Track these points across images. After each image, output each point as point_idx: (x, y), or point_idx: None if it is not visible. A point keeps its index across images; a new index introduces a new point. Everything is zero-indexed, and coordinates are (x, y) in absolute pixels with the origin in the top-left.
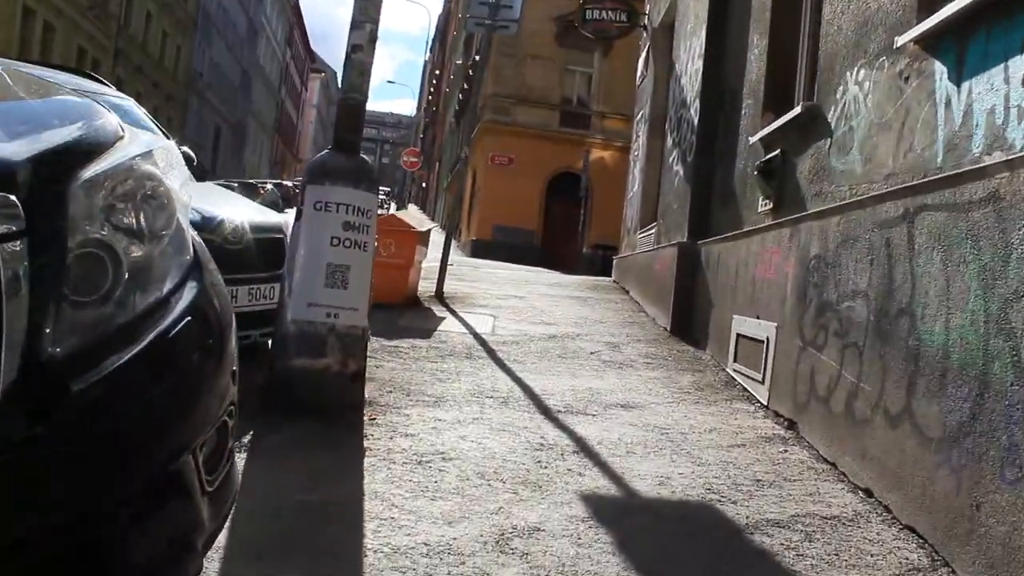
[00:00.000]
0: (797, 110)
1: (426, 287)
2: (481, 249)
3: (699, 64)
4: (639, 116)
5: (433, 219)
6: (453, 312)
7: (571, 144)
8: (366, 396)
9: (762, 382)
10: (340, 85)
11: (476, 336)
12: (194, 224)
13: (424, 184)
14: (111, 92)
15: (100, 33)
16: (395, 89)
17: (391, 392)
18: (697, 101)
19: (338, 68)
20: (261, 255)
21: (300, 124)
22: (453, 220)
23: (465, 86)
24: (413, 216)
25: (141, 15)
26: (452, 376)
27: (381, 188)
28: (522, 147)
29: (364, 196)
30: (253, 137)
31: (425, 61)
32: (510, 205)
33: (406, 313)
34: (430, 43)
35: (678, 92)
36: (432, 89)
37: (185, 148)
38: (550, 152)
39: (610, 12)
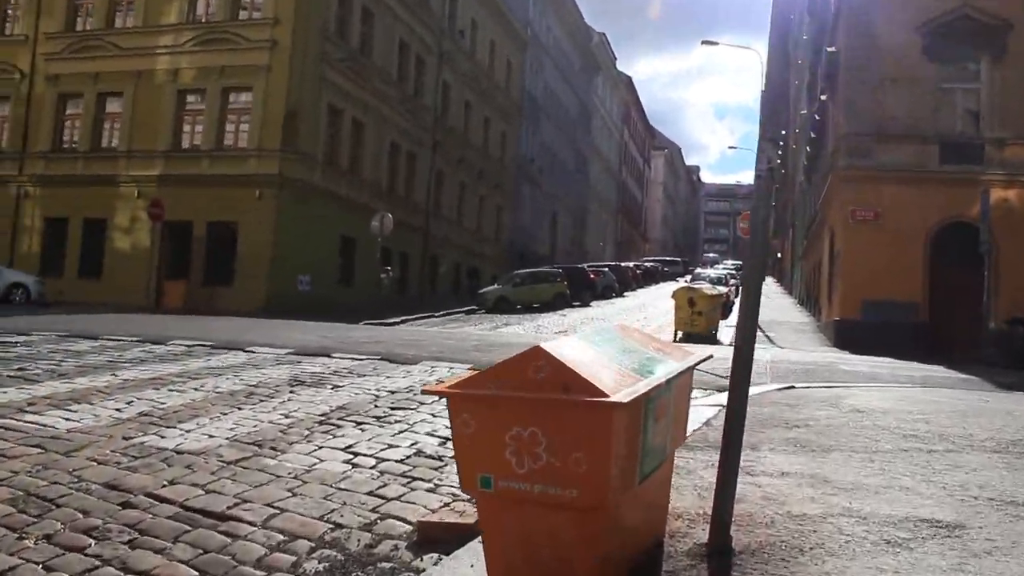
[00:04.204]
0: None
1: (695, 495)
2: (847, 333)
3: None
4: None
5: (791, 293)
6: None
7: (959, 186)
8: None
9: None
10: None
11: None
12: None
13: (779, 254)
14: None
15: (415, 126)
16: (739, 160)
17: None
18: None
19: (682, 145)
20: None
21: (645, 203)
22: (747, 344)
23: (812, 135)
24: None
25: (460, 105)
26: None
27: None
28: (890, 196)
29: None
30: (594, 219)
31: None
32: (881, 272)
33: None
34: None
35: None
36: (779, 152)
37: None
38: (930, 199)
39: None
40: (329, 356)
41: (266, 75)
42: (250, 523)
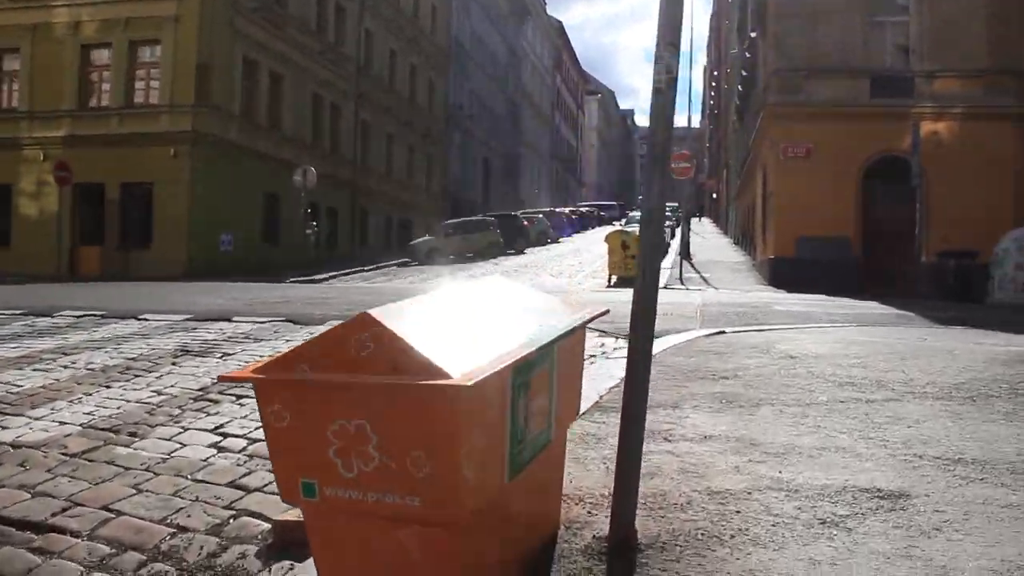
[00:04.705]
0: None
1: (603, 470)
2: (783, 272)
3: None
4: None
5: (727, 232)
6: None
7: (890, 120)
8: None
9: None
10: None
11: None
12: None
13: (715, 194)
14: None
15: (337, 77)
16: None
17: None
18: None
19: (615, 90)
20: None
21: (580, 148)
22: (648, 290)
23: (743, 74)
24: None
25: (384, 54)
26: None
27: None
28: (822, 132)
29: None
30: (528, 166)
31: (705, 67)
32: (814, 209)
33: None
34: (705, 44)
35: None
36: (712, 92)
37: None
38: (861, 133)
39: None
40: (229, 320)
41: (175, 26)
42: (74, 534)
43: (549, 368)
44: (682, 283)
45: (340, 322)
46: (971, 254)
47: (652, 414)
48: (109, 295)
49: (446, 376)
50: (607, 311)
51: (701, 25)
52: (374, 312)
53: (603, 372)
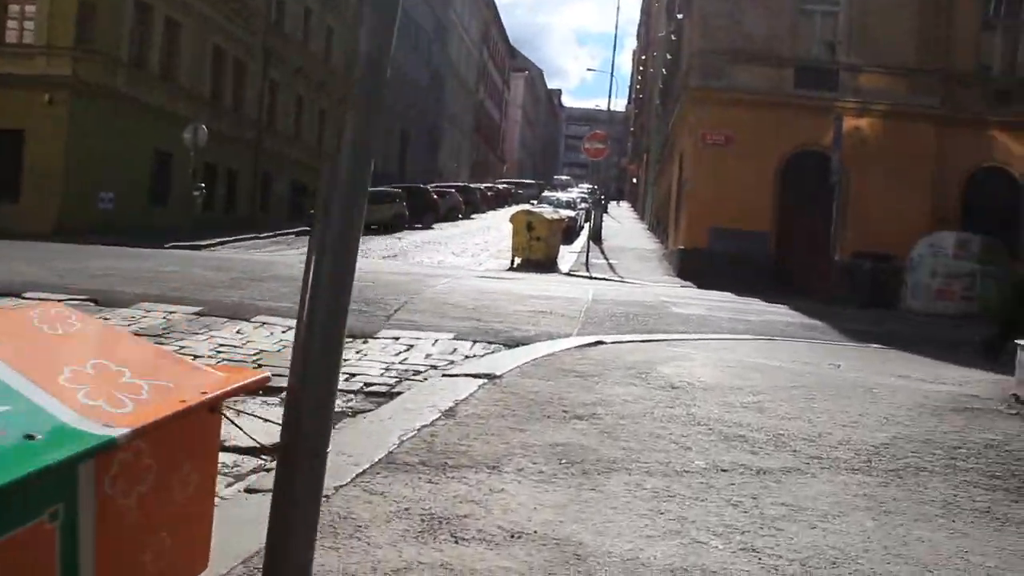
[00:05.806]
0: None
1: None
2: (693, 264)
3: None
4: None
5: (643, 218)
6: None
7: (813, 113)
8: None
9: None
10: None
11: None
12: None
13: (635, 179)
14: None
15: (244, 32)
16: (601, 85)
17: None
18: None
19: (543, 68)
20: None
21: (504, 124)
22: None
23: (668, 57)
24: None
25: (298, 10)
26: None
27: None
28: (743, 120)
29: None
30: (449, 139)
31: (634, 51)
32: (730, 199)
33: None
34: (636, 28)
35: None
36: (639, 76)
37: None
38: (783, 124)
39: None
40: (19, 296)
41: None
42: None
43: (65, 514)
44: (587, 269)
45: (152, 303)
46: (887, 257)
47: (458, 481)
48: None
49: None
50: (267, 378)
51: (632, 8)
52: None
53: (435, 393)
